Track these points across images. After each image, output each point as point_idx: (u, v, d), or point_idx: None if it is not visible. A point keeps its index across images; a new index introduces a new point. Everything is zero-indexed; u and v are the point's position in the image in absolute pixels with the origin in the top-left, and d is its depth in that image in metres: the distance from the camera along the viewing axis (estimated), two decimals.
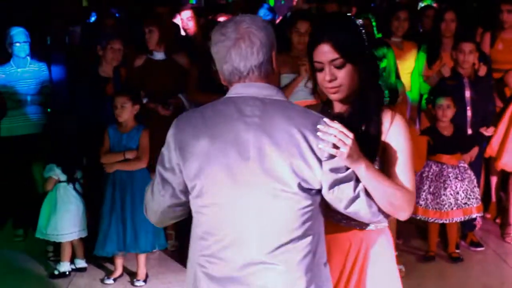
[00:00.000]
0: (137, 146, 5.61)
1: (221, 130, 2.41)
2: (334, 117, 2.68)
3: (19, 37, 6.47)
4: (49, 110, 6.71)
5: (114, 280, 5.71)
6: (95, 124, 5.99)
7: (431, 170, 5.97)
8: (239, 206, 2.41)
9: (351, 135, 2.43)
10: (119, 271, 5.76)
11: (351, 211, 2.52)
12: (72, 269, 5.88)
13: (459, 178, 5.91)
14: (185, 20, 7.41)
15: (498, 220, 6.96)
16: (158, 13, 7.23)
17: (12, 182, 6.63)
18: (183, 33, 7.67)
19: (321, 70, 2.74)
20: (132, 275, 5.76)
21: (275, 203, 2.39)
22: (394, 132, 2.72)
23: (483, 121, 6.26)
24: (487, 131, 6.26)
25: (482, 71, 6.28)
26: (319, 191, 2.44)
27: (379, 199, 2.53)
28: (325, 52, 2.70)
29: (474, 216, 6.00)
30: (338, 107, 2.85)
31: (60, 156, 5.76)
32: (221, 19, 7.14)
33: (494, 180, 7.01)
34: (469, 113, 6.19)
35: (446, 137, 5.99)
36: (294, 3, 9.29)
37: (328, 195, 2.45)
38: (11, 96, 6.46)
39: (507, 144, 6.43)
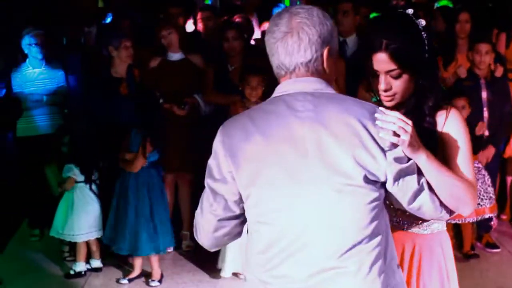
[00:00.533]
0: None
1: (274, 129, 2.27)
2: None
3: (35, 38, 6.49)
4: (65, 111, 6.74)
5: (129, 280, 5.73)
6: (110, 124, 6.02)
7: None
8: (302, 207, 2.25)
9: (410, 122, 2.33)
10: (137, 271, 5.77)
11: (415, 206, 2.37)
12: (88, 269, 5.90)
13: None
14: (202, 20, 7.40)
15: None
16: (173, 14, 7.22)
17: (28, 182, 6.65)
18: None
19: (377, 76, 2.69)
20: (148, 275, 5.77)
21: (341, 199, 2.23)
22: (451, 125, 2.67)
23: (500, 122, 6.22)
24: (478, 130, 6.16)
25: (499, 72, 6.25)
26: (383, 184, 2.30)
27: (441, 192, 2.40)
28: (382, 62, 2.64)
29: (487, 216, 5.96)
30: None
31: (79, 156, 5.78)
32: (238, 20, 7.17)
33: (510, 180, 6.99)
34: (485, 114, 6.16)
35: None
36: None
37: (393, 188, 2.30)
38: (27, 96, 6.48)
39: None
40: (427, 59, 2.68)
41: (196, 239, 2.53)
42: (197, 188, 6.52)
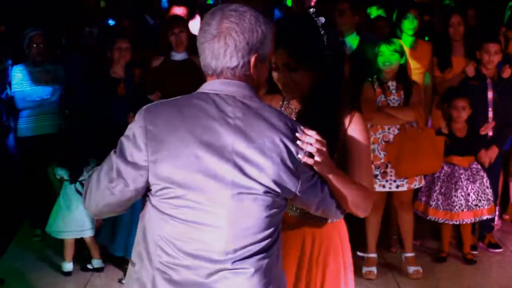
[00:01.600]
0: None
1: (199, 130, 2.27)
2: (297, 115, 2.85)
3: (36, 38, 6.48)
4: (66, 111, 6.72)
5: None
6: (108, 125, 6.03)
7: (443, 171, 5.95)
8: (212, 209, 2.29)
9: (325, 142, 2.41)
10: None
11: (319, 212, 2.54)
12: (89, 269, 5.91)
13: (471, 180, 5.90)
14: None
15: None
16: (177, 14, 7.21)
17: (29, 182, 6.64)
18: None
19: (276, 69, 2.80)
20: None
21: (250, 206, 2.29)
22: (354, 130, 2.77)
23: (504, 122, 6.21)
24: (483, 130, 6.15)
25: (506, 73, 6.23)
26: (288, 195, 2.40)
27: (343, 200, 2.56)
28: (280, 55, 2.73)
29: (485, 217, 5.97)
30: (295, 103, 2.92)
31: (66, 156, 5.79)
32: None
33: None
34: (490, 114, 6.15)
35: (459, 139, 5.96)
36: (312, 3, 9.27)
37: (302, 200, 2.42)
38: (27, 96, 6.47)
39: None
40: (328, 55, 2.76)
41: (83, 202, 2.53)
42: None
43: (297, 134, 2.33)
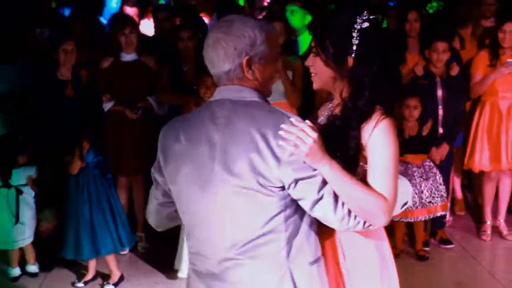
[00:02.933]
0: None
1: (194, 132, 2.56)
2: (330, 118, 2.84)
3: None
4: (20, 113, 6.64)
5: (85, 283, 5.67)
6: (56, 127, 5.96)
7: None
8: (206, 206, 2.55)
9: (314, 134, 2.43)
10: (91, 273, 5.71)
11: (317, 215, 2.52)
12: (22, 274, 5.86)
13: (424, 177, 5.96)
14: (159, 20, 7.34)
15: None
16: (127, 14, 7.17)
17: None
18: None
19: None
20: (105, 277, 5.72)
21: (238, 200, 2.49)
22: (376, 136, 2.67)
23: (454, 120, 6.28)
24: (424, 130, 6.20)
25: (455, 70, 6.30)
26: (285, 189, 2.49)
27: (349, 203, 2.52)
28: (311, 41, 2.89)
29: (438, 214, 6.03)
30: (337, 108, 2.86)
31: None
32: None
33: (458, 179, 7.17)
34: (440, 112, 6.20)
35: (411, 137, 6.02)
36: (265, 3, 9.30)
37: (291, 193, 2.49)
38: None
39: (477, 145, 6.52)
40: (353, 58, 2.71)
41: (147, 220, 2.95)
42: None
43: (282, 125, 2.43)
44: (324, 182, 2.49)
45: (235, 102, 2.55)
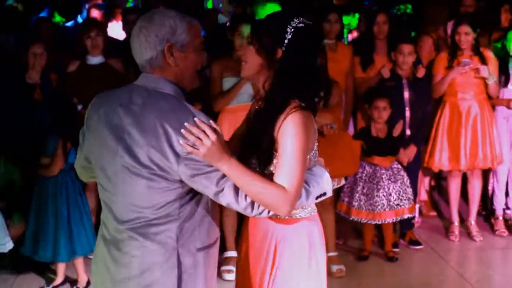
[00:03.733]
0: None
1: (111, 112, 2.71)
2: (254, 113, 2.99)
3: None
4: None
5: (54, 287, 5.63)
6: (25, 130, 5.94)
7: (365, 172, 6.04)
8: (113, 178, 2.73)
9: (213, 136, 2.57)
10: (60, 278, 5.64)
11: (223, 203, 2.69)
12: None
13: (392, 180, 5.99)
14: (128, 23, 7.30)
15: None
16: (94, 17, 7.14)
17: None
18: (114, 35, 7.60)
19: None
20: (73, 282, 5.67)
21: (136, 182, 2.66)
22: (283, 128, 2.77)
23: (421, 121, 6.34)
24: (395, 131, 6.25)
25: (421, 72, 6.37)
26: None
27: (250, 195, 2.66)
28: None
29: (406, 217, 6.07)
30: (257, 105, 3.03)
31: None
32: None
33: (427, 180, 7.25)
34: (407, 113, 6.26)
35: (379, 139, 6.06)
36: None
37: (191, 185, 2.66)
38: None
39: (437, 145, 6.60)
40: (283, 51, 2.84)
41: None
42: None
43: (185, 123, 2.59)
44: (224, 176, 2.64)
45: (150, 92, 2.69)
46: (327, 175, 2.94)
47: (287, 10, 6.33)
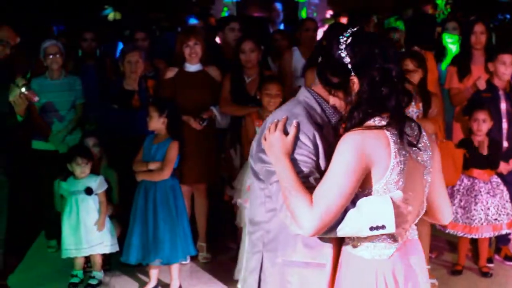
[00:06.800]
0: (163, 157, 5.56)
1: None
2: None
3: (52, 49, 6.48)
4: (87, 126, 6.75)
5: None
6: (124, 136, 6.08)
7: (463, 184, 5.91)
8: None
9: (277, 134, 2.73)
10: (153, 282, 5.73)
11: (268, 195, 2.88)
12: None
13: (491, 194, 5.85)
14: (230, 32, 7.35)
15: None
16: (192, 25, 7.24)
17: (45, 194, 6.62)
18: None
19: None
20: (164, 286, 5.75)
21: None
22: (337, 146, 2.68)
23: None
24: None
25: None
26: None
27: (286, 200, 2.67)
28: None
29: (503, 232, 5.92)
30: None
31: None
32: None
33: None
34: (504, 125, 6.12)
35: (480, 152, 5.92)
36: (327, 15, 9.30)
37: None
38: (45, 108, 6.46)
39: None
40: (337, 76, 2.75)
41: None
42: (212, 200, 6.57)
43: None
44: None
45: None
46: (389, 206, 2.61)
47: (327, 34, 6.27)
